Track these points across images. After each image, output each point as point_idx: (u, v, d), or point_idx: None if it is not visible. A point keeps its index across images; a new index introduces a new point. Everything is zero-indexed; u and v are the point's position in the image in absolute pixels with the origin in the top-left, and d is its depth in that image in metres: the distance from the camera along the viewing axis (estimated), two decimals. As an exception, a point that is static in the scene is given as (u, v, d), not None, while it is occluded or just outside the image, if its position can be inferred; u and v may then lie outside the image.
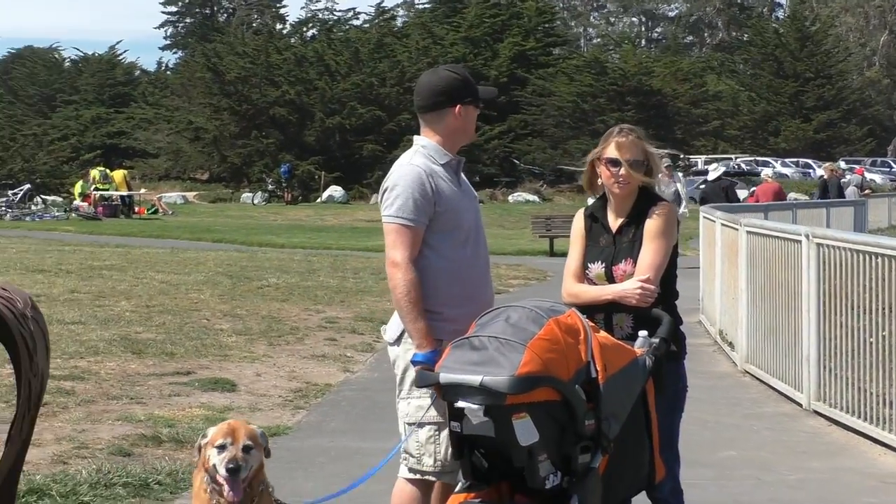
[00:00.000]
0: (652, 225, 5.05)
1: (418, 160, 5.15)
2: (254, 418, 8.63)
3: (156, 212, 44.18)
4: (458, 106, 5.21)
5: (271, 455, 4.74)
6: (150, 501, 7.25)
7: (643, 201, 5.15)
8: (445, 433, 4.90)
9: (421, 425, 5.01)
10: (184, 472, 7.31)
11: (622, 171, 5.07)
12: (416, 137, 5.30)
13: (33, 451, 5.82)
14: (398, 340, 5.16)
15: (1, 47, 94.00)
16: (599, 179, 5.28)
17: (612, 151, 5.10)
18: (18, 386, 4.62)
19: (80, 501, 6.95)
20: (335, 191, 54.29)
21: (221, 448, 4.36)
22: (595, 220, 5.29)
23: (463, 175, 5.40)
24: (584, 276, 5.23)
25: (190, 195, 55.30)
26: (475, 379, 4.40)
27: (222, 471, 4.33)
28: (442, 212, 5.11)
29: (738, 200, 23.25)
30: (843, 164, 48.35)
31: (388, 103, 56.59)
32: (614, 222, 5.17)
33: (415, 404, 5.07)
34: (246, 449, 4.42)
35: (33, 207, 42.00)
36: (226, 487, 4.31)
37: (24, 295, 4.75)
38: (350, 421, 9.54)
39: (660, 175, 5.56)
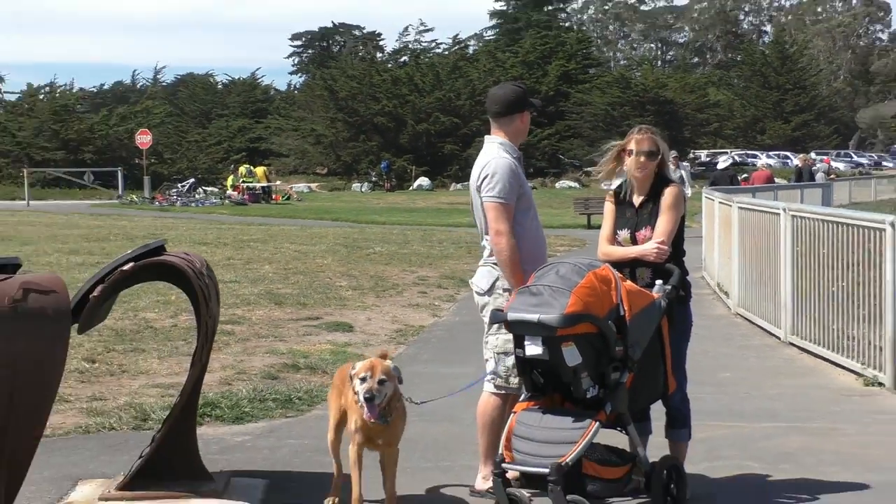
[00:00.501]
0: (665, 201, 5.26)
1: (505, 154, 5.32)
2: (367, 352, 8.88)
3: (288, 198, 45.78)
4: (525, 112, 5.43)
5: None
6: (292, 412, 7.47)
7: (658, 183, 5.33)
8: (511, 357, 5.13)
9: (508, 354, 5.11)
10: (317, 391, 7.60)
11: (641, 158, 5.28)
12: (488, 137, 5.43)
13: (206, 375, 5.96)
14: (489, 291, 5.32)
15: (170, 74, 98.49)
16: (618, 168, 5.48)
17: (633, 144, 5.31)
18: (198, 326, 5.07)
19: (242, 412, 7.21)
20: (423, 181, 57.15)
21: (363, 380, 4.59)
22: (622, 198, 5.46)
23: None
24: (614, 240, 5.43)
25: (313, 185, 58.76)
26: (533, 317, 4.63)
27: (361, 399, 4.58)
28: (522, 193, 5.32)
29: (739, 184, 24.60)
30: (813, 156, 48.92)
31: (462, 113, 59.59)
32: (637, 199, 5.36)
33: (503, 339, 5.16)
34: (381, 382, 4.61)
35: (196, 196, 43.65)
36: (364, 410, 4.59)
37: (200, 258, 5.30)
38: (438, 353, 9.86)
39: (669, 163, 5.70)
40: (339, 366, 6.46)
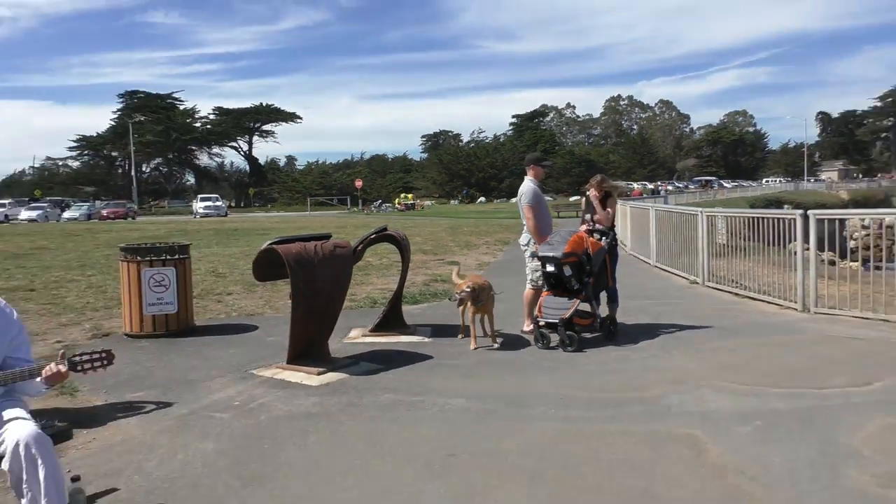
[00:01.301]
0: (608, 205, 7.12)
1: (531, 184, 7.26)
2: (468, 272, 11.45)
3: (422, 208, 58.46)
4: (535, 166, 7.31)
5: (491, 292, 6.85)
6: (437, 299, 9.64)
7: (604, 198, 7.14)
8: (539, 272, 7.00)
9: (536, 271, 7.04)
10: (446, 289, 9.78)
11: (594, 191, 7.14)
12: (526, 177, 7.33)
13: (388, 284, 8.08)
14: (527, 244, 7.33)
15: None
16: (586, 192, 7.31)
17: (594, 182, 7.27)
18: (403, 263, 7.40)
19: (416, 298, 9.51)
20: (482, 198, 74.62)
21: (467, 287, 6.54)
22: (588, 203, 7.23)
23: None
24: (585, 221, 7.22)
25: (432, 202, 71.45)
26: (549, 253, 6.66)
27: (464, 293, 6.50)
28: (539, 201, 7.21)
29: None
30: (660, 183, 69.37)
31: (497, 166, 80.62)
32: (595, 204, 7.15)
33: (534, 265, 7.13)
34: (472, 288, 6.45)
35: (381, 208, 57.29)
36: (466, 296, 6.47)
37: (402, 233, 7.41)
38: (497, 273, 11.56)
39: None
40: (461, 277, 8.67)
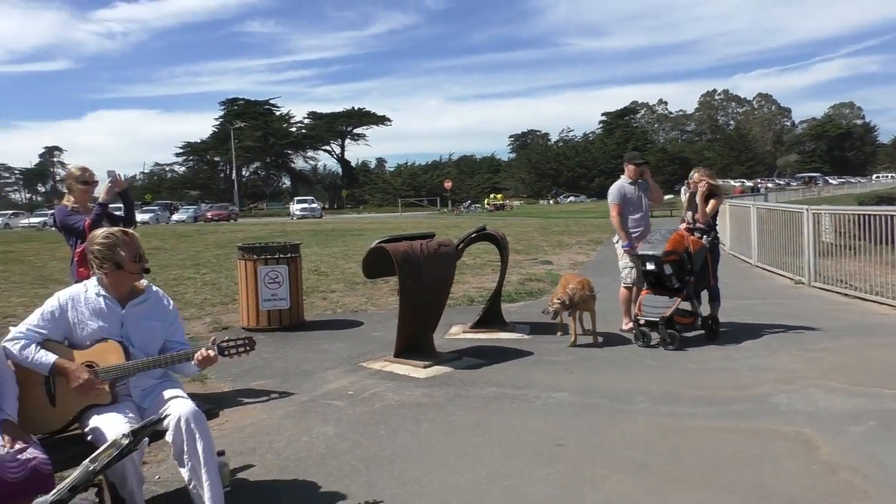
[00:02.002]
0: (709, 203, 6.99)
1: (620, 182, 7.34)
2: (561, 270, 11.50)
3: (511, 209, 58.69)
4: (628, 164, 7.37)
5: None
6: (532, 298, 9.78)
7: (708, 194, 7.00)
8: (634, 270, 7.06)
9: (630, 269, 7.14)
10: (541, 289, 9.97)
11: (698, 181, 7.01)
12: (622, 176, 7.43)
13: (483, 283, 8.56)
14: (618, 241, 7.36)
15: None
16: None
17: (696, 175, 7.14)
18: (502, 261, 7.56)
19: (512, 297, 9.65)
20: (571, 197, 74.32)
21: (557, 303, 6.58)
22: (690, 200, 7.13)
23: (641, 182, 7.24)
24: (687, 221, 7.12)
25: (520, 202, 70.69)
26: (650, 252, 6.68)
27: (565, 294, 6.58)
28: (626, 198, 7.22)
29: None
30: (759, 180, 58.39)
31: (586, 165, 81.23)
32: (698, 200, 7.02)
33: (624, 262, 7.24)
34: (564, 300, 6.56)
35: (471, 209, 57.86)
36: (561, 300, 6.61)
37: (500, 232, 7.57)
38: (592, 272, 11.19)
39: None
40: (554, 278, 8.77)
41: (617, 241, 7.36)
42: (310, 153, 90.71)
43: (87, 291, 3.32)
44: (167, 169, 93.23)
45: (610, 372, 5.82)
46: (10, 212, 56.32)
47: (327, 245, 20.28)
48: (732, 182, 63.99)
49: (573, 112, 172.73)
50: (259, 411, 5.07)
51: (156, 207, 53.01)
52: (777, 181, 76.69)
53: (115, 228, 3.42)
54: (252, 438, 4.46)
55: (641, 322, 6.63)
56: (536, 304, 9.26)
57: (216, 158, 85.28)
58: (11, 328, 3.21)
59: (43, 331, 3.19)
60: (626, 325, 7.22)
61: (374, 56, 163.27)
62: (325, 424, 4.71)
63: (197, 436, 3.13)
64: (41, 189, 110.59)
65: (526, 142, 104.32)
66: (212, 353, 3.28)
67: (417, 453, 4.13)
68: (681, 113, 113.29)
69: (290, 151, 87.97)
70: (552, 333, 7.24)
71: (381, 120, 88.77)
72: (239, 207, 62.72)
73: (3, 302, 10.54)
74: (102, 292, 3.32)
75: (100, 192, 5.21)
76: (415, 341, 6.31)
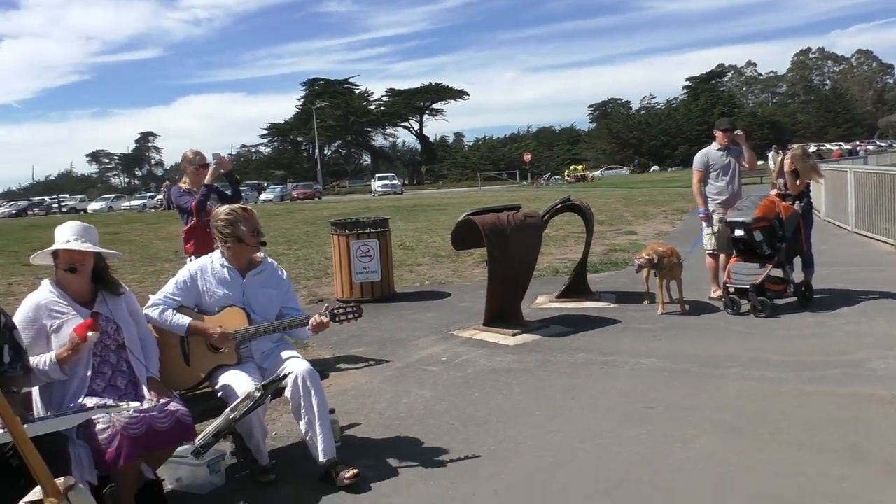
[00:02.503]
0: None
1: (708, 148, 7.27)
2: (645, 241, 11.50)
3: (591, 179, 57.53)
4: (716, 130, 7.26)
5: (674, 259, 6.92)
6: (616, 269, 9.77)
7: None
8: (714, 237, 7.04)
9: (706, 235, 7.13)
10: (626, 259, 9.39)
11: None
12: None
13: (566, 254, 8.55)
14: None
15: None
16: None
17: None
18: (587, 232, 7.60)
19: (597, 267, 9.66)
20: (655, 167, 71.17)
21: (646, 258, 6.71)
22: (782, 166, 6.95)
23: (732, 148, 7.08)
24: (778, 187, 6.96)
25: (599, 172, 65.29)
26: (739, 218, 6.61)
27: (643, 259, 6.70)
28: (710, 164, 7.16)
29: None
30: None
31: (670, 133, 76.69)
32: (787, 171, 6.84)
33: (706, 231, 7.20)
34: (651, 256, 6.66)
35: (550, 181, 56.64)
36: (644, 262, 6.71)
37: (585, 203, 7.63)
38: (677, 241, 10.37)
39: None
40: (639, 248, 8.72)
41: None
42: (389, 130, 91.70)
43: (213, 263, 3.68)
44: (252, 150, 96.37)
45: (698, 339, 5.85)
46: (114, 195, 59.88)
47: (410, 220, 20.69)
48: (828, 146, 60.76)
49: (655, 78, 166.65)
50: (359, 376, 5.41)
51: (244, 188, 55.03)
52: (878, 143, 72.21)
53: (237, 206, 3.76)
54: (355, 400, 4.79)
55: (731, 290, 6.59)
56: (621, 274, 9.29)
57: (299, 138, 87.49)
58: (151, 296, 3.61)
59: (178, 298, 3.57)
60: (714, 292, 7.18)
61: (449, 30, 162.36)
62: (421, 388, 4.99)
63: (312, 392, 3.45)
64: (138, 173, 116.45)
65: (606, 111, 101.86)
66: (324, 319, 3.58)
67: (511, 414, 4.35)
68: (771, 74, 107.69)
69: (369, 129, 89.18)
70: (639, 302, 7.28)
71: (459, 94, 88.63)
72: (322, 186, 64.34)
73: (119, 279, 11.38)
74: (226, 263, 3.67)
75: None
76: (503, 310, 6.52)
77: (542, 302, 7.68)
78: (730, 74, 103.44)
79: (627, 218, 17.47)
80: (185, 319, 3.50)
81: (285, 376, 3.37)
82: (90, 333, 2.89)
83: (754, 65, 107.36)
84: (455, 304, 7.97)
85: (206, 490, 3.47)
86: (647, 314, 6.83)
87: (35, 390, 3.05)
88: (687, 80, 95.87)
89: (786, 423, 3.94)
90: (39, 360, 2.94)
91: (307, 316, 3.65)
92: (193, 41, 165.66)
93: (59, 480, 2.24)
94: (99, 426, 2.85)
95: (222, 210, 3.69)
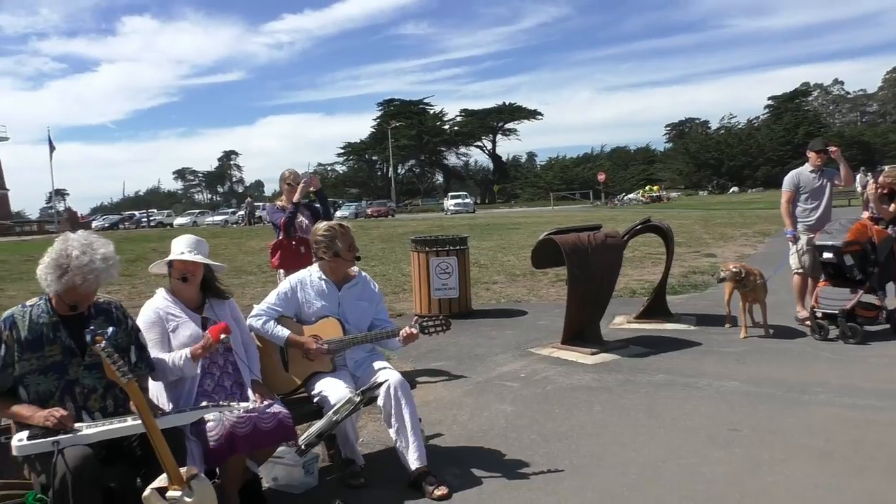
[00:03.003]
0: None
1: (799, 169, 7.12)
2: (719, 262, 10.65)
3: (668, 199, 56.26)
4: (809, 151, 7.09)
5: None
6: (697, 291, 9.66)
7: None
8: (803, 256, 6.88)
9: (793, 255, 6.97)
10: (709, 281, 9.25)
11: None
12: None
13: (643, 276, 8.60)
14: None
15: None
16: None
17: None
18: (667, 253, 7.55)
19: (675, 289, 9.55)
20: (734, 188, 69.57)
21: (732, 270, 6.62)
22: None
23: (826, 170, 6.93)
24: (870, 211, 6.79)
25: (677, 194, 65.63)
26: (829, 242, 6.47)
27: (723, 275, 6.69)
28: (799, 185, 6.99)
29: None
30: None
31: (751, 153, 74.31)
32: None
33: (792, 250, 7.05)
34: (740, 270, 6.61)
35: (623, 200, 56.20)
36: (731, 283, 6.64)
37: (666, 223, 7.49)
38: (761, 264, 9.48)
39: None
40: (716, 270, 8.51)
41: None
42: (462, 149, 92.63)
43: (311, 276, 3.91)
44: (328, 168, 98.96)
45: (784, 363, 5.74)
46: (197, 211, 62.50)
47: (484, 239, 20.82)
48: None
49: (735, 97, 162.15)
50: (440, 389, 5.55)
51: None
52: None
53: (335, 222, 3.98)
54: (437, 411, 4.93)
55: (818, 315, 6.43)
56: (701, 296, 9.15)
57: (374, 157, 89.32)
58: (255, 306, 3.86)
59: (279, 308, 3.80)
60: (801, 313, 7.01)
61: (524, 51, 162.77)
62: (502, 402, 5.09)
63: (403, 402, 3.61)
64: (220, 189, 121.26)
65: (683, 130, 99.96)
66: (415, 330, 3.74)
67: (592, 431, 4.40)
68: (861, 93, 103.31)
69: (443, 148, 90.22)
70: (720, 325, 7.18)
71: (533, 114, 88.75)
72: (395, 204, 65.36)
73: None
74: (323, 276, 3.89)
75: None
76: (582, 329, 6.55)
77: (619, 322, 7.65)
78: (815, 93, 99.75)
79: (706, 240, 17.06)
80: (284, 332, 3.72)
81: (381, 384, 3.54)
82: (223, 336, 3.16)
83: (841, 83, 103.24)
84: (532, 322, 8.03)
85: (301, 490, 3.67)
86: (729, 337, 6.72)
87: (161, 389, 3.32)
88: (769, 98, 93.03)
89: (880, 451, 3.83)
90: (175, 357, 3.20)
91: (397, 327, 3.82)
92: (276, 64, 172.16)
93: (183, 470, 2.46)
94: (210, 423, 3.08)
95: (321, 226, 3.92)
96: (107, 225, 52.52)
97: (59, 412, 2.70)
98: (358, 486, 3.62)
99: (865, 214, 6.74)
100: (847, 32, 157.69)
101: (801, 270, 7.07)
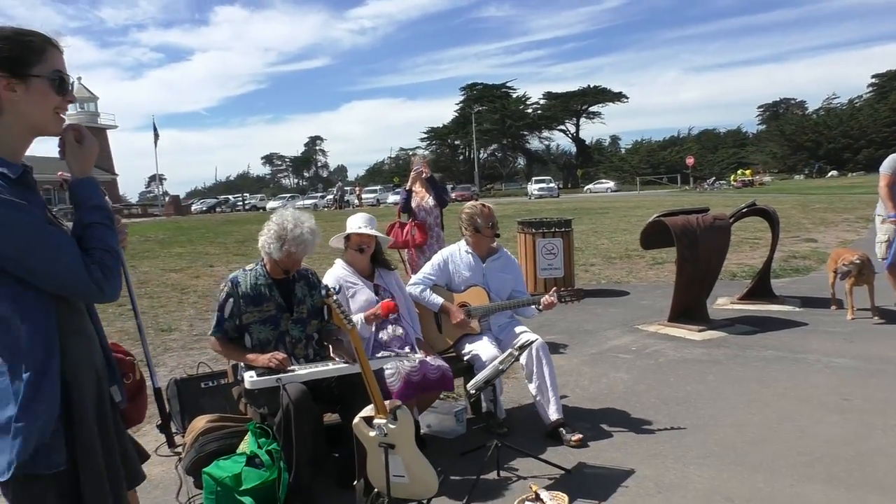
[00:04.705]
0: None
1: None
2: (827, 249, 11.03)
3: (761, 184, 54.01)
4: None
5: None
6: (798, 274, 9.69)
7: None
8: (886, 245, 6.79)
9: (879, 243, 6.85)
10: (805, 266, 9.56)
11: None
12: None
13: (742, 259, 8.77)
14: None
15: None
16: None
17: None
18: (773, 235, 7.58)
19: (777, 274, 9.65)
20: (833, 172, 64.58)
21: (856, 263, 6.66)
22: None
23: None
24: None
25: (770, 178, 63.46)
26: None
27: (843, 267, 6.70)
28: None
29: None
30: None
31: (852, 135, 69.10)
32: None
33: (881, 236, 6.69)
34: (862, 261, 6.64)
35: (714, 185, 54.67)
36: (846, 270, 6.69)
37: (771, 207, 7.63)
38: (866, 249, 10.52)
39: None
40: (820, 255, 8.50)
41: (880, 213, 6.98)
42: (545, 133, 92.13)
43: (460, 250, 4.47)
44: (410, 153, 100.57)
45: (893, 342, 5.93)
46: (289, 195, 64.93)
47: (574, 224, 21.05)
48: None
49: (835, 76, 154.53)
50: (558, 359, 6.03)
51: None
52: None
53: (479, 202, 4.53)
54: (560, 377, 5.38)
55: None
56: (804, 280, 9.26)
57: (457, 142, 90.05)
58: (412, 276, 4.46)
59: (433, 277, 4.39)
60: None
61: (609, 31, 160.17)
62: (618, 371, 5.54)
63: (544, 361, 4.13)
64: (306, 174, 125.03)
65: (777, 112, 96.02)
66: (553, 298, 4.24)
67: (708, 397, 4.80)
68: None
69: (525, 133, 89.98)
70: (825, 307, 7.35)
71: (618, 97, 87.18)
72: (479, 189, 65.91)
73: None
74: (469, 250, 4.45)
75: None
76: (688, 308, 6.89)
77: (723, 303, 7.92)
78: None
79: (805, 225, 16.79)
80: (438, 300, 4.31)
81: (533, 342, 4.07)
82: (391, 315, 3.81)
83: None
84: (635, 302, 8.41)
85: (452, 436, 4.26)
86: (835, 318, 6.91)
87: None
88: (873, 77, 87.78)
89: None
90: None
91: (536, 296, 4.33)
92: (359, 50, 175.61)
93: (387, 402, 3.05)
94: (388, 371, 3.69)
95: (467, 206, 4.49)
96: (205, 209, 55.36)
97: (280, 355, 3.34)
98: (502, 433, 4.17)
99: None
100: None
101: (886, 258, 6.96)
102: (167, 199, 60.30)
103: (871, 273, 6.78)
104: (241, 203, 58.40)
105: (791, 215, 19.73)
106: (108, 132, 59.20)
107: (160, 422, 2.42)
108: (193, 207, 55.77)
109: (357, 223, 4.07)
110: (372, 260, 4.16)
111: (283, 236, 3.42)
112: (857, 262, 6.73)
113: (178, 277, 11.90)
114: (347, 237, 4.10)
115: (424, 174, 6.50)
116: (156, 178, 73.17)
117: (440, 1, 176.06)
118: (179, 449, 3.72)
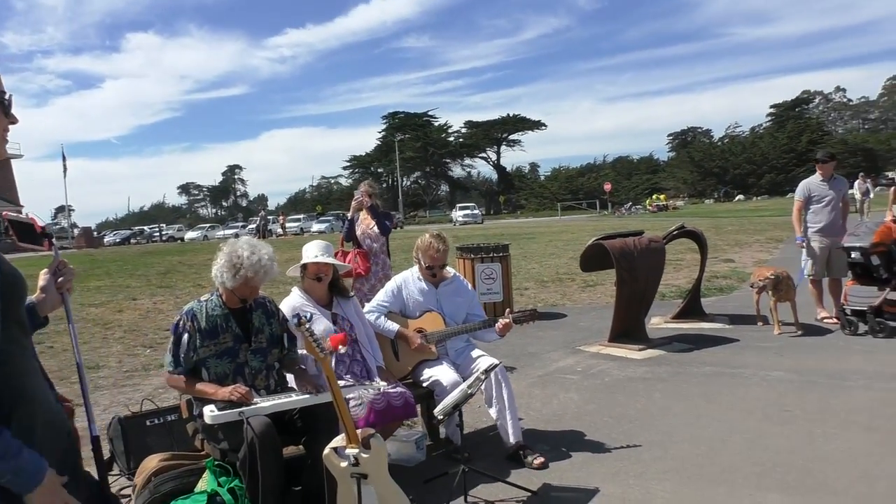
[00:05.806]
0: None
1: (808, 178, 7.68)
2: (746, 268, 11.36)
3: (674, 208, 56.36)
4: (817, 163, 7.67)
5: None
6: (723, 295, 10.14)
7: None
8: (811, 263, 7.42)
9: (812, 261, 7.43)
10: (727, 285, 9.80)
11: None
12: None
13: (671, 280, 9.02)
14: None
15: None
16: None
17: None
18: (702, 257, 7.91)
19: (701, 293, 10.09)
20: (740, 196, 69.97)
21: (770, 277, 7.10)
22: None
23: (836, 178, 7.52)
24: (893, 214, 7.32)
25: (681, 202, 66.30)
26: (857, 244, 6.97)
27: (757, 283, 7.18)
28: (812, 194, 7.54)
29: None
30: None
31: (755, 161, 74.65)
32: None
33: (804, 257, 7.59)
34: (777, 276, 7.08)
35: (630, 211, 57.17)
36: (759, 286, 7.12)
37: (699, 229, 7.92)
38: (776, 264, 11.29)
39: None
40: (740, 275, 8.88)
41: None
42: (467, 161, 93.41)
43: (413, 276, 4.45)
44: (332, 181, 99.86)
45: (821, 355, 6.25)
46: (208, 225, 63.19)
47: (502, 248, 21.35)
48: None
49: (737, 106, 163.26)
50: (506, 382, 6.06)
51: (330, 217, 57.10)
52: None
53: (434, 235, 4.46)
54: (511, 400, 5.45)
55: (847, 311, 6.92)
56: (728, 298, 9.66)
57: (380, 170, 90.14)
58: (366, 303, 4.40)
59: (386, 304, 4.34)
60: (821, 313, 7.58)
61: (525, 62, 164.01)
62: (567, 392, 5.61)
63: (503, 384, 4.14)
64: (224, 204, 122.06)
65: (686, 139, 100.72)
66: (509, 321, 4.26)
67: (658, 414, 4.91)
68: (863, 100, 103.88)
69: (448, 160, 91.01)
70: (752, 324, 7.68)
71: (537, 125, 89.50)
72: (403, 216, 65.99)
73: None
74: (421, 277, 4.43)
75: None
76: (628, 328, 7.07)
77: (657, 322, 8.16)
78: (817, 100, 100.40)
79: (721, 246, 17.53)
80: (394, 326, 4.27)
81: (496, 365, 4.06)
82: (341, 347, 3.65)
83: (843, 90, 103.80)
84: (574, 324, 8.56)
85: (412, 464, 4.19)
86: (764, 334, 7.23)
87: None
88: (771, 107, 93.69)
89: (919, 425, 4.35)
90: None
91: (493, 318, 4.35)
92: (278, 78, 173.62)
93: (359, 431, 2.98)
94: (352, 401, 3.61)
95: (423, 236, 4.47)
96: (118, 240, 53.09)
97: (242, 388, 3.22)
98: (461, 459, 4.13)
99: (889, 218, 7.24)
100: (848, 40, 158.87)
101: (813, 275, 7.63)
102: (76, 230, 57.58)
103: (790, 289, 7.14)
104: (157, 234, 56.41)
105: (707, 238, 20.67)
106: (13, 162, 56.19)
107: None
108: (106, 239, 53.42)
109: (314, 251, 3.99)
110: (330, 288, 4.08)
111: (237, 264, 3.31)
112: (772, 276, 7.11)
113: (99, 312, 11.33)
114: (304, 266, 4.02)
115: (365, 203, 6.45)
116: (64, 209, 69.82)
117: (360, 31, 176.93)
118: (129, 490, 3.51)
